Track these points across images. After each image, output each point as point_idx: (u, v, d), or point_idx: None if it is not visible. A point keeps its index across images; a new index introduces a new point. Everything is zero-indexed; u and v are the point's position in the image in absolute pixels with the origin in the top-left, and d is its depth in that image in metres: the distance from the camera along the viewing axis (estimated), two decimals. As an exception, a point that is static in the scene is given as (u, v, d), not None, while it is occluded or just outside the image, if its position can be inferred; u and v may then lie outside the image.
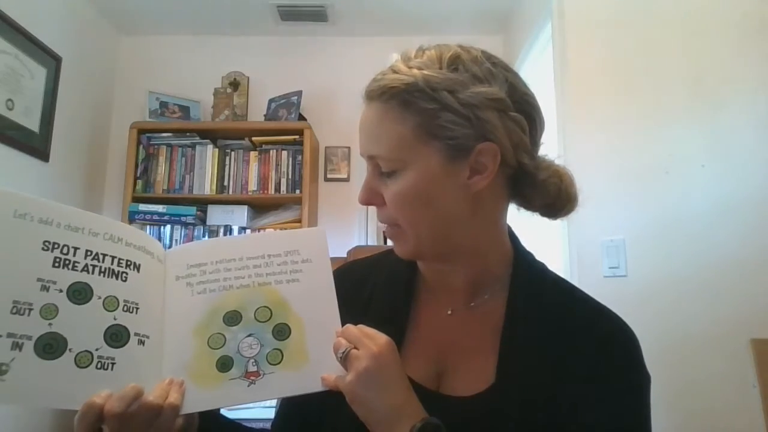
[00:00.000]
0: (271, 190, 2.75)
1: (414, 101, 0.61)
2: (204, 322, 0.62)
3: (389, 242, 0.71)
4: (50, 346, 0.53)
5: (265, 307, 0.63)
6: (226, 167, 2.78)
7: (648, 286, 1.49)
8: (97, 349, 0.55)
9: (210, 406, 0.59)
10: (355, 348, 0.59)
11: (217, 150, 2.80)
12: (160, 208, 2.65)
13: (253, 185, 2.76)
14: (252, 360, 0.61)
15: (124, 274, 0.59)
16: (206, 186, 2.75)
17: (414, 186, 0.62)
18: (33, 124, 2.34)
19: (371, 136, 0.65)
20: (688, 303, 1.34)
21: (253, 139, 2.78)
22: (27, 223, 0.55)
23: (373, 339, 0.59)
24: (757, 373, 1.03)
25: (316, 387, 0.60)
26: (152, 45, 3.10)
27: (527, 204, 0.70)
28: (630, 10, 1.66)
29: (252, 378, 0.60)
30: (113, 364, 0.56)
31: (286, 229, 2.65)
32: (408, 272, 0.75)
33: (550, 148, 0.70)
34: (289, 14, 2.88)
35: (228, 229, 2.70)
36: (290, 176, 2.76)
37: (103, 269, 0.58)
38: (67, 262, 0.56)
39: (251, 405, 1.73)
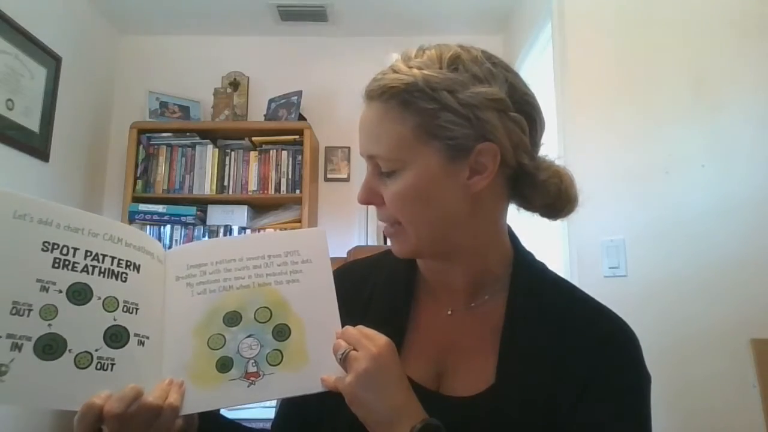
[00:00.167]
0: (271, 190, 2.75)
1: (414, 101, 0.61)
2: (204, 323, 0.62)
3: (389, 242, 0.71)
4: (50, 347, 0.53)
5: (265, 307, 0.63)
6: (226, 167, 2.78)
7: (648, 286, 1.48)
8: (96, 350, 0.55)
9: (210, 407, 0.59)
10: (355, 349, 0.58)
11: (217, 150, 2.80)
12: (160, 208, 2.65)
13: (253, 185, 2.76)
14: (252, 360, 0.61)
15: (123, 275, 0.59)
16: (206, 186, 2.75)
17: (413, 186, 0.62)
18: (33, 124, 2.34)
19: (371, 135, 0.65)
20: (688, 303, 1.34)
21: (253, 139, 2.78)
22: (27, 224, 0.55)
23: (372, 340, 0.59)
24: (757, 373, 1.03)
25: (316, 388, 0.60)
26: (152, 45, 3.10)
27: (527, 204, 0.70)
28: (630, 10, 1.66)
29: (252, 378, 0.60)
30: (113, 364, 0.56)
31: (286, 229, 2.65)
32: (408, 272, 0.75)
33: (550, 148, 0.70)
34: (289, 14, 2.88)
35: (228, 229, 2.70)
36: (290, 176, 2.76)
37: (102, 270, 0.58)
38: (66, 262, 0.56)
39: (251, 405, 1.72)
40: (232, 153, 2.80)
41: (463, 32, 2.93)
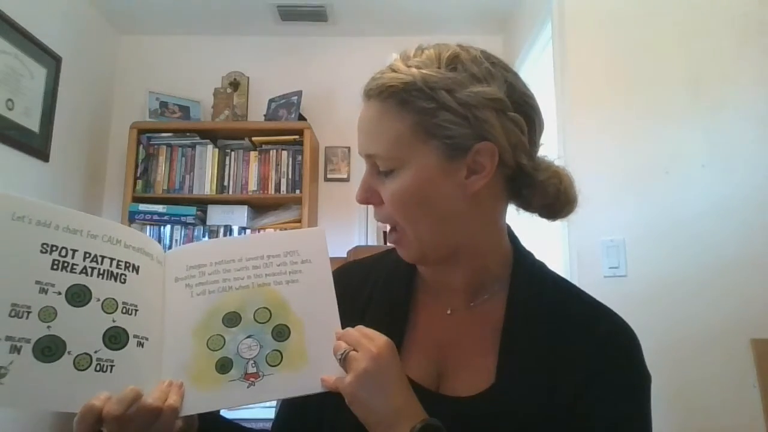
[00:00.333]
0: (271, 190, 2.75)
1: (412, 100, 0.61)
2: (203, 324, 0.62)
3: (389, 242, 0.71)
4: (49, 349, 0.53)
5: (264, 308, 0.63)
6: (226, 167, 2.78)
7: (648, 286, 1.48)
8: (96, 352, 0.55)
9: (209, 408, 0.59)
10: (355, 349, 0.58)
11: (217, 150, 2.79)
12: (160, 208, 2.65)
13: (253, 185, 2.76)
14: (251, 361, 0.61)
15: (123, 276, 0.59)
16: (206, 186, 2.75)
17: (411, 185, 0.62)
18: (33, 124, 2.34)
19: (369, 134, 0.65)
20: (688, 303, 1.34)
21: (253, 139, 2.78)
22: (25, 226, 0.55)
23: (372, 340, 0.59)
24: (757, 373, 1.03)
25: (316, 388, 0.60)
26: (152, 45, 3.10)
27: (526, 205, 0.69)
28: (630, 10, 1.66)
29: (251, 379, 0.60)
30: (112, 366, 0.56)
31: (286, 229, 2.65)
32: (408, 272, 0.75)
33: (549, 148, 0.70)
34: (289, 14, 2.88)
35: (228, 229, 2.70)
36: (290, 176, 2.76)
37: (101, 271, 0.58)
38: (65, 264, 0.56)
39: (251, 406, 1.73)
40: (232, 153, 2.80)
41: (463, 32, 2.93)
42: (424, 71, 0.61)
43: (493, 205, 0.68)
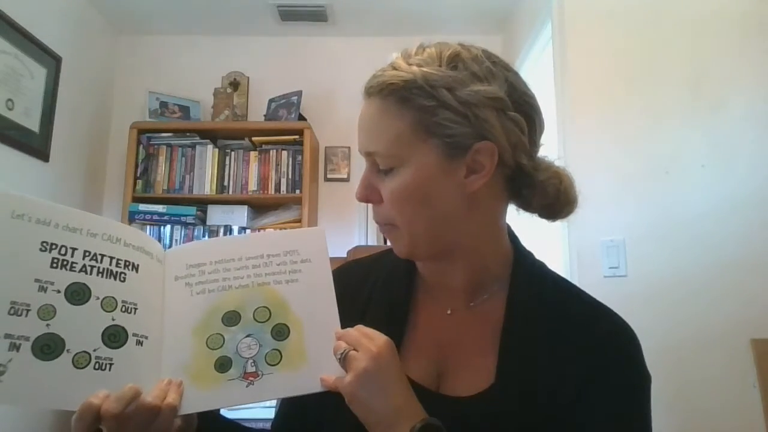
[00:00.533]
0: (271, 190, 2.75)
1: (412, 98, 0.61)
2: (203, 323, 0.62)
3: (389, 242, 0.71)
4: (48, 347, 0.53)
5: (264, 307, 0.63)
6: (226, 167, 2.78)
7: (648, 286, 1.48)
8: (95, 350, 0.55)
9: (208, 407, 0.59)
10: (355, 349, 0.58)
11: (217, 150, 2.79)
12: (160, 208, 2.65)
13: (253, 185, 2.76)
14: (251, 360, 0.61)
15: (122, 275, 0.59)
16: (206, 186, 2.75)
17: (411, 183, 0.62)
18: (33, 124, 2.34)
19: (369, 132, 0.65)
20: (688, 303, 1.34)
21: (253, 139, 2.78)
22: (25, 224, 0.55)
23: (372, 339, 0.59)
24: (757, 373, 1.03)
25: (315, 388, 0.60)
26: (152, 45, 3.10)
27: (526, 205, 0.69)
28: (630, 10, 1.66)
29: (250, 378, 0.60)
30: (111, 364, 0.56)
31: (286, 229, 2.65)
32: (408, 272, 0.75)
33: (549, 148, 0.70)
34: (289, 14, 2.88)
35: (228, 229, 2.70)
36: (290, 176, 2.76)
37: (101, 270, 0.58)
38: (65, 262, 0.56)
39: (251, 405, 1.72)
40: (232, 153, 2.80)
41: (463, 32, 2.92)
42: (424, 69, 0.61)
43: (493, 205, 0.68)
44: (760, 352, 1.05)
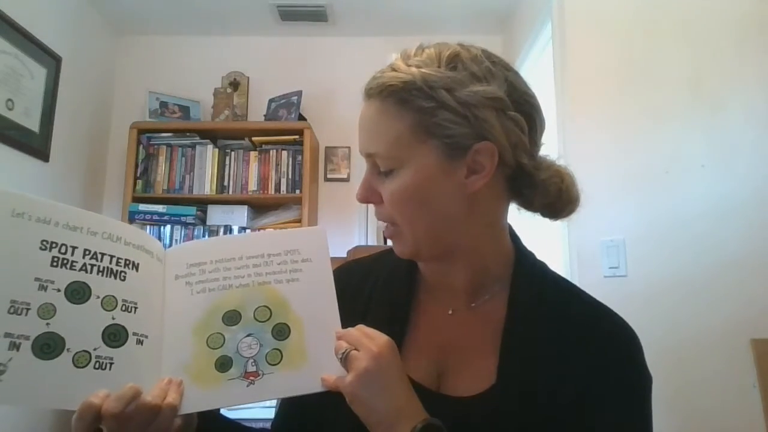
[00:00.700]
0: (271, 190, 2.75)
1: (412, 99, 0.61)
2: (203, 322, 0.61)
3: (389, 242, 0.71)
4: (48, 346, 0.53)
5: (264, 306, 0.63)
6: (226, 167, 2.78)
7: (648, 286, 1.48)
8: (95, 349, 0.55)
9: (208, 407, 0.59)
10: (356, 349, 0.58)
11: (217, 150, 2.79)
12: (160, 208, 2.65)
13: (253, 185, 2.76)
14: (251, 360, 0.60)
15: (122, 274, 0.59)
16: (206, 186, 2.75)
17: (411, 184, 0.62)
18: (33, 124, 2.34)
19: (369, 133, 0.65)
20: (688, 303, 1.33)
21: (253, 139, 2.78)
22: (25, 222, 0.55)
23: (373, 339, 0.59)
24: (757, 373, 1.03)
25: (316, 387, 0.60)
26: (152, 45, 3.10)
27: (527, 204, 0.69)
28: (630, 10, 1.66)
29: (251, 378, 0.60)
30: (111, 363, 0.55)
31: (286, 229, 2.65)
32: (409, 272, 0.75)
33: (550, 148, 0.70)
34: (289, 14, 2.88)
35: (228, 229, 2.70)
36: (290, 176, 2.76)
37: (101, 268, 0.58)
38: (65, 261, 0.56)
39: (251, 405, 1.72)
40: (232, 153, 2.80)
41: (463, 32, 2.92)
42: (423, 70, 0.61)
43: (494, 205, 0.68)
44: (760, 352, 1.05)
